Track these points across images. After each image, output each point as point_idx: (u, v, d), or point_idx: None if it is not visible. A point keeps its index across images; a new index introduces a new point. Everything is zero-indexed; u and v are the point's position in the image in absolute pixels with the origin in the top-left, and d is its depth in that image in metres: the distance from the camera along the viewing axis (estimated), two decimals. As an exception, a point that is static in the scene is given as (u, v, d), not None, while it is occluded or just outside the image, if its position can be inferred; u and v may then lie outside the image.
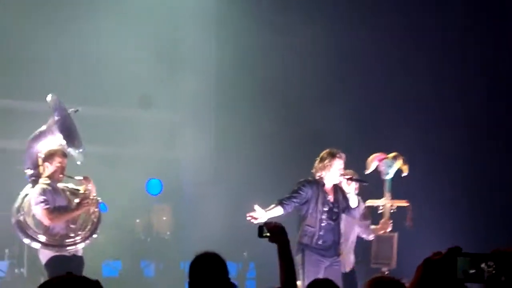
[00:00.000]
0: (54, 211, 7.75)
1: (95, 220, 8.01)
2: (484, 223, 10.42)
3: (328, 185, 7.94)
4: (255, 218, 7.34)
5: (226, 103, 12.17)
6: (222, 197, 12.19)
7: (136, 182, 12.18)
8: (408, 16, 11.20)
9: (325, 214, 7.87)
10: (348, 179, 7.87)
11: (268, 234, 4.41)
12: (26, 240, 7.97)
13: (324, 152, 7.95)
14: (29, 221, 7.99)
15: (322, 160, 7.91)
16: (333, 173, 7.86)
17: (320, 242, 7.84)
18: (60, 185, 8.02)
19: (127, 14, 12.03)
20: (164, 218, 12.64)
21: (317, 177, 7.93)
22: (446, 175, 10.56)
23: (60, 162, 7.88)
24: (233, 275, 12.41)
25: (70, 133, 8.33)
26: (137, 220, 12.38)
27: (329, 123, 10.90)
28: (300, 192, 7.83)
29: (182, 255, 11.52)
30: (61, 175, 7.91)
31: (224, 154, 12.28)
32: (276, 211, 7.66)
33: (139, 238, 12.17)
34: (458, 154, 10.77)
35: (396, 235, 8.67)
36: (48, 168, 7.91)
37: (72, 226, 7.87)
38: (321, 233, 7.85)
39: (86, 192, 8.01)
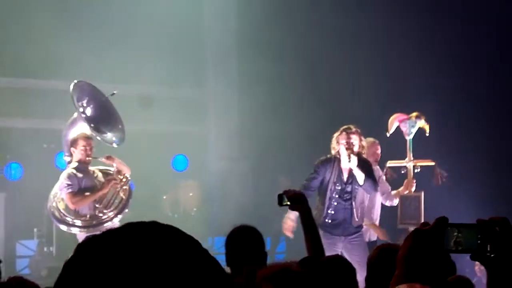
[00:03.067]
0: (77, 194, 7.83)
1: (124, 197, 8.06)
2: (510, 184, 10.36)
3: (344, 162, 7.85)
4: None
5: (251, 79, 12.13)
6: (247, 172, 12.21)
7: (162, 158, 12.24)
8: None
9: (336, 192, 7.80)
10: (348, 153, 7.71)
11: (288, 203, 4.40)
12: (63, 227, 8.06)
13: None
14: (61, 206, 8.08)
15: (335, 134, 7.87)
16: (341, 149, 7.77)
17: (327, 220, 7.77)
18: (93, 167, 8.12)
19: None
20: (191, 194, 12.69)
21: (333, 154, 7.88)
22: (471, 136, 10.47)
23: (84, 146, 7.95)
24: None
25: (99, 119, 8.39)
26: (164, 197, 12.45)
27: (354, 100, 10.87)
28: (316, 175, 7.81)
29: (210, 230, 11.58)
30: (88, 158, 7.98)
31: (249, 130, 12.26)
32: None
33: (166, 214, 12.23)
34: (484, 115, 10.68)
35: (422, 194, 8.60)
36: (75, 153, 8.01)
37: (97, 205, 7.93)
38: (329, 211, 7.78)
39: (114, 171, 8.10)
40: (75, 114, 8.30)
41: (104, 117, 8.49)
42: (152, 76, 11.84)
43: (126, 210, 8.11)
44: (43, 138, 11.62)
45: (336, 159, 7.82)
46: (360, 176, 7.73)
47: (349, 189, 7.85)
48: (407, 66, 10.93)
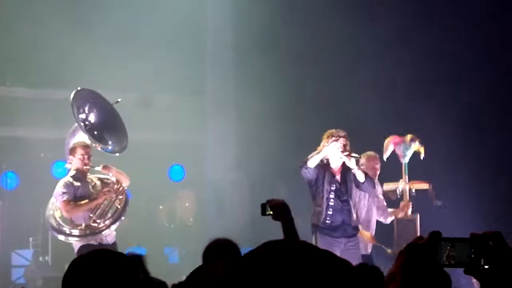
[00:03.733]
0: (71, 203, 7.80)
1: (119, 207, 8.03)
2: (505, 205, 10.35)
3: (334, 165, 7.91)
4: None
5: (248, 89, 12.13)
6: (244, 182, 12.20)
7: (158, 168, 12.22)
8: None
9: (333, 193, 7.85)
10: (346, 155, 7.78)
11: (271, 212, 4.37)
12: (60, 237, 8.01)
13: (325, 133, 7.96)
14: (58, 215, 8.05)
15: (322, 141, 7.92)
16: (333, 153, 7.83)
17: (328, 221, 7.81)
18: (93, 176, 8.08)
19: None
20: (187, 204, 12.67)
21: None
22: (466, 158, 10.48)
23: (82, 154, 7.91)
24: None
25: (103, 126, 8.36)
26: (160, 207, 12.43)
27: (352, 109, 10.87)
28: (305, 170, 7.85)
29: (206, 241, 11.55)
30: (85, 167, 7.94)
31: (247, 140, 12.26)
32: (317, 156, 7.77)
33: (163, 224, 12.20)
34: (479, 137, 10.69)
35: (417, 217, 8.61)
36: (73, 161, 7.97)
37: (91, 215, 7.88)
38: (329, 212, 7.83)
39: (110, 180, 8.08)
40: (76, 124, 8.29)
41: (109, 124, 8.46)
42: (150, 85, 11.84)
43: (123, 218, 8.06)
44: (40, 148, 11.60)
45: (327, 163, 7.88)
46: (360, 175, 7.82)
47: (344, 189, 7.90)
48: (407, 85, 10.93)
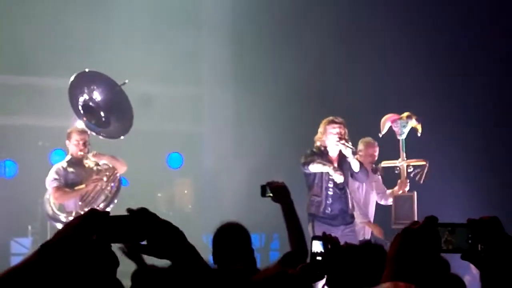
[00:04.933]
0: (60, 189, 7.73)
1: (109, 194, 7.93)
2: (500, 183, 10.38)
3: (332, 153, 7.91)
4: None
5: (246, 75, 12.13)
6: (242, 169, 12.19)
7: (156, 156, 12.22)
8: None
9: (331, 182, 7.85)
10: (341, 143, 7.78)
11: (271, 194, 4.37)
12: (58, 224, 7.94)
13: (322, 121, 7.96)
14: (52, 202, 8.00)
15: (319, 128, 7.92)
16: (331, 139, 7.82)
17: (327, 211, 7.84)
18: (91, 161, 7.97)
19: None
20: (186, 192, 12.68)
21: (318, 146, 7.91)
22: (465, 135, 10.49)
23: (77, 140, 7.83)
24: (256, 246, 12.48)
25: (105, 109, 8.25)
26: (159, 194, 12.43)
27: (349, 94, 10.87)
28: (307, 174, 7.85)
29: (205, 228, 11.56)
30: (80, 152, 7.85)
31: (244, 127, 12.26)
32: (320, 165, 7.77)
33: (161, 212, 12.20)
34: (478, 114, 10.70)
35: (415, 194, 8.64)
36: (70, 147, 7.92)
37: (80, 203, 7.80)
38: (328, 201, 7.86)
39: (105, 167, 7.99)
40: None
41: (116, 105, 8.34)
42: (148, 74, 11.82)
43: (111, 206, 7.93)
44: (38, 136, 11.58)
45: (323, 151, 7.88)
46: (355, 164, 7.83)
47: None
48: (401, 65, 10.92)
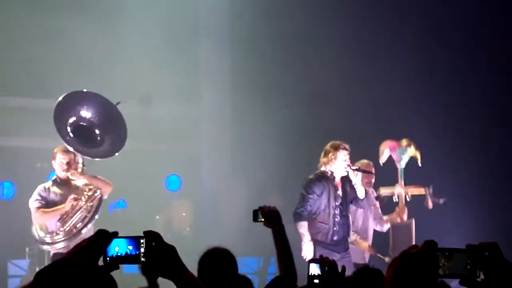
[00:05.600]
0: (39, 209, 7.67)
1: (87, 214, 7.76)
2: (501, 210, 10.36)
3: (337, 178, 7.87)
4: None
5: (243, 98, 12.13)
6: (241, 191, 12.17)
7: (155, 178, 12.20)
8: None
9: (338, 209, 7.81)
10: (354, 170, 7.79)
11: (262, 219, 4.37)
12: (45, 247, 7.86)
13: (328, 145, 7.91)
14: (36, 226, 7.91)
15: (326, 153, 7.86)
16: (339, 165, 7.79)
17: (335, 238, 7.80)
18: (80, 181, 7.89)
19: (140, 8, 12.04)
20: (184, 214, 12.64)
21: (324, 171, 7.86)
22: (463, 163, 10.49)
23: (61, 159, 7.76)
24: (254, 270, 12.47)
25: (100, 127, 8.12)
26: (157, 217, 12.39)
27: (345, 117, 10.88)
28: (311, 196, 7.78)
29: (203, 250, 11.52)
30: (63, 172, 7.76)
31: (243, 149, 12.26)
32: (304, 231, 7.67)
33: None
34: (477, 142, 10.70)
35: (413, 221, 8.62)
36: (55, 166, 7.86)
37: (57, 223, 7.72)
38: (335, 229, 7.80)
39: (88, 187, 7.84)
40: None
41: (111, 124, 8.22)
42: (146, 94, 11.83)
43: (89, 226, 7.75)
44: (36, 157, 11.57)
45: (329, 177, 7.84)
46: (361, 191, 7.80)
47: (344, 203, 7.89)
48: (400, 91, 10.94)
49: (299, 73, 11.75)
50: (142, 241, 2.42)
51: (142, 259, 2.40)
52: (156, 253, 2.40)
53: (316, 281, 3.46)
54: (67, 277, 2.11)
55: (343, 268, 3.50)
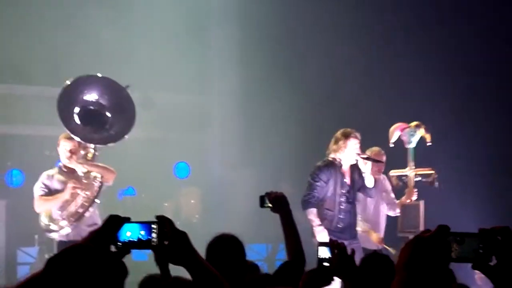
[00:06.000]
0: (41, 197, 7.64)
1: (85, 203, 7.72)
2: (508, 192, 10.34)
3: (345, 166, 7.85)
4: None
5: (254, 84, 12.13)
6: (250, 179, 12.18)
7: (164, 165, 12.22)
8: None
9: (344, 196, 7.80)
10: (364, 158, 7.76)
11: (270, 205, 4.37)
12: (53, 235, 7.81)
13: (338, 132, 7.87)
14: (42, 215, 7.88)
15: (336, 141, 7.82)
16: (349, 153, 7.76)
17: (339, 225, 7.79)
18: (83, 168, 7.79)
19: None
20: (193, 201, 12.66)
21: (332, 159, 7.84)
22: (473, 144, 10.46)
23: (64, 146, 7.71)
24: (263, 256, 12.48)
25: (90, 118, 8.01)
26: (166, 204, 12.42)
27: (356, 104, 10.86)
28: (318, 184, 7.76)
29: (211, 237, 11.55)
30: (66, 160, 7.72)
31: (252, 137, 12.26)
32: (313, 217, 7.64)
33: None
34: (487, 123, 10.68)
35: (422, 202, 8.64)
36: (59, 154, 7.81)
37: (57, 211, 7.69)
38: (340, 216, 7.80)
39: (88, 175, 7.79)
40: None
41: (121, 108, 8.12)
42: (155, 82, 11.83)
43: (91, 210, 7.71)
44: (44, 145, 11.59)
45: (337, 164, 7.82)
46: (370, 180, 7.79)
47: (352, 191, 7.87)
48: (409, 73, 10.92)
49: (310, 62, 11.72)
50: (154, 226, 2.41)
51: (154, 244, 2.40)
52: (168, 239, 2.40)
53: (326, 264, 3.46)
54: (78, 263, 2.11)
55: (353, 251, 3.50)
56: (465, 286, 4.10)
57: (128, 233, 2.40)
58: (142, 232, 2.41)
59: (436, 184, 8.67)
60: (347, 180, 7.85)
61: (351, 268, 3.40)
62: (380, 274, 3.95)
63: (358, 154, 7.74)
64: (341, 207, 7.80)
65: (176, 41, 11.83)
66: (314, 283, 3.52)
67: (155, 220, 2.44)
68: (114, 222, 2.39)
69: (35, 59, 11.06)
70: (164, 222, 2.42)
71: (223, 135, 13.02)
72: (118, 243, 2.38)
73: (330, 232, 7.69)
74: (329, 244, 3.49)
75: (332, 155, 7.85)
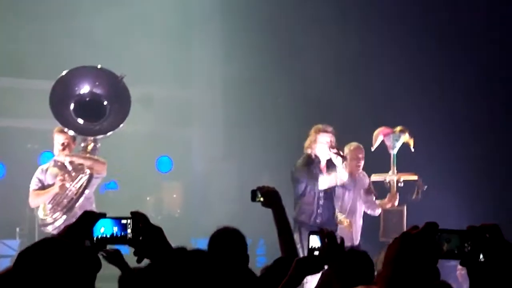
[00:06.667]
0: (34, 192, 7.62)
1: (73, 196, 7.66)
2: (491, 195, 10.40)
3: (322, 162, 7.92)
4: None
5: (236, 78, 12.13)
6: (232, 173, 12.20)
7: (146, 159, 12.20)
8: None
9: (322, 192, 7.85)
10: (334, 153, 7.79)
11: (261, 199, 4.36)
12: (48, 228, 7.72)
13: (312, 128, 7.94)
14: (37, 210, 7.86)
15: (309, 136, 7.90)
16: (321, 148, 7.83)
17: (318, 220, 7.84)
18: (70, 160, 7.75)
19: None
20: (175, 196, 12.67)
21: (309, 154, 7.92)
22: (454, 149, 10.51)
23: (57, 140, 7.68)
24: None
25: (87, 109, 7.92)
26: (148, 198, 12.42)
27: (339, 100, 10.88)
28: (302, 181, 7.85)
29: (193, 232, 11.56)
30: (59, 152, 7.68)
31: (234, 130, 12.27)
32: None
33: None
34: (468, 128, 10.73)
35: (404, 208, 8.66)
36: (54, 146, 7.78)
37: (48, 205, 7.65)
38: (319, 211, 7.85)
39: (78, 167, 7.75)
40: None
41: (116, 98, 8.05)
42: (138, 77, 11.81)
43: (76, 206, 7.62)
44: (27, 138, 11.57)
45: (314, 159, 7.89)
46: (343, 173, 7.81)
47: (329, 188, 7.92)
48: (393, 79, 10.94)
49: (293, 59, 11.73)
50: (129, 222, 2.45)
51: (128, 240, 2.44)
52: (142, 234, 2.43)
53: (316, 253, 3.49)
54: (50, 255, 2.13)
55: (342, 239, 3.52)
56: (446, 284, 4.14)
57: (103, 228, 2.43)
58: (116, 228, 2.44)
59: (425, 187, 8.69)
60: (325, 174, 7.89)
61: (340, 256, 3.43)
62: (360, 271, 3.96)
63: (329, 148, 7.77)
64: (320, 202, 7.86)
65: (160, 36, 11.81)
66: (304, 271, 3.56)
67: (129, 216, 2.46)
68: (89, 218, 2.42)
69: (20, 52, 11.02)
70: (138, 218, 2.44)
71: (206, 130, 13.03)
72: (93, 238, 2.42)
73: (305, 226, 7.76)
74: (320, 233, 3.52)
75: (308, 151, 7.93)
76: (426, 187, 8.70)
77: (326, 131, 7.81)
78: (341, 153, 7.80)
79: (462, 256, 1.82)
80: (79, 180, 7.71)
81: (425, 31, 11.10)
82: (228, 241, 4.16)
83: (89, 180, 7.75)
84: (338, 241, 3.47)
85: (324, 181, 7.78)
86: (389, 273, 1.76)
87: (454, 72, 10.88)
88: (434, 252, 1.79)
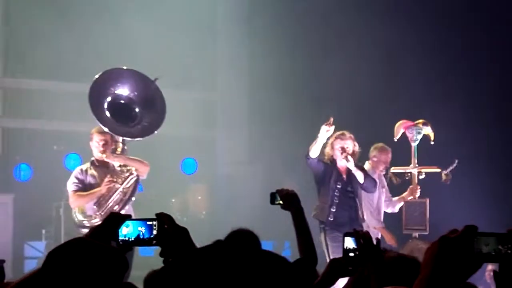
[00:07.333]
0: (75, 193, 7.53)
1: (123, 198, 7.63)
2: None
3: (340, 164, 8.05)
4: None
5: (261, 81, 12.12)
6: (257, 176, 12.19)
7: (171, 161, 12.22)
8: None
9: (338, 191, 7.96)
10: (344, 158, 7.90)
11: (280, 202, 4.35)
12: (84, 230, 7.63)
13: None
14: (76, 210, 7.77)
15: (327, 140, 8.01)
16: (336, 153, 8.00)
17: (330, 218, 7.90)
18: (119, 163, 7.73)
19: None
20: (200, 198, 12.67)
21: (328, 158, 8.09)
22: (477, 139, 10.44)
23: (97, 141, 7.63)
24: (269, 254, 12.23)
25: (120, 111, 7.89)
26: (173, 200, 12.43)
27: (365, 99, 10.85)
28: (309, 162, 7.97)
29: (218, 234, 11.55)
30: (99, 154, 7.65)
31: (259, 133, 12.26)
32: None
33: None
34: (490, 119, 10.65)
35: (427, 200, 8.68)
36: (92, 148, 7.72)
37: (94, 206, 7.63)
38: (332, 209, 7.93)
39: (124, 168, 7.74)
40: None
41: (150, 102, 8.04)
42: (163, 79, 11.83)
43: (127, 207, 7.61)
44: (53, 140, 11.64)
45: (332, 162, 8.04)
46: (359, 175, 7.92)
47: (350, 188, 8.00)
48: (413, 71, 10.89)
49: (321, 58, 11.69)
50: (154, 223, 2.45)
51: (154, 241, 2.45)
52: (168, 236, 2.44)
53: (352, 254, 3.46)
54: (79, 255, 2.14)
55: (378, 240, 3.49)
56: (472, 285, 4.09)
57: (129, 230, 2.44)
58: (143, 229, 2.45)
59: (450, 178, 8.70)
60: (344, 176, 8.04)
61: (378, 257, 3.40)
62: (405, 275, 3.91)
63: (341, 154, 7.90)
64: (334, 200, 7.97)
65: (185, 38, 11.83)
66: (338, 272, 3.54)
67: (155, 217, 2.48)
68: (115, 219, 2.43)
69: (46, 54, 11.08)
70: (163, 219, 2.46)
71: (231, 132, 13.03)
72: (119, 240, 2.43)
73: (328, 224, 7.88)
74: (354, 235, 3.49)
75: (327, 156, 8.06)
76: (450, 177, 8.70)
77: (341, 138, 8.00)
78: (349, 158, 7.90)
79: (503, 259, 1.80)
80: (128, 182, 7.67)
81: (447, 27, 11.06)
82: (242, 242, 4.15)
83: (137, 182, 7.74)
84: (374, 242, 3.44)
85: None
86: (427, 276, 1.74)
87: (480, 69, 10.80)
88: (474, 255, 1.76)
